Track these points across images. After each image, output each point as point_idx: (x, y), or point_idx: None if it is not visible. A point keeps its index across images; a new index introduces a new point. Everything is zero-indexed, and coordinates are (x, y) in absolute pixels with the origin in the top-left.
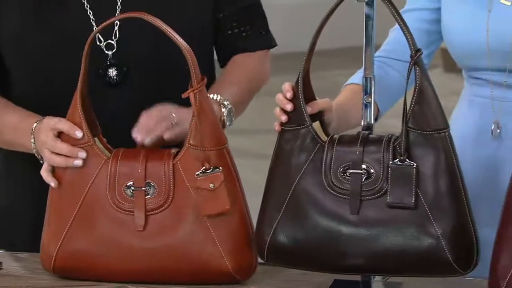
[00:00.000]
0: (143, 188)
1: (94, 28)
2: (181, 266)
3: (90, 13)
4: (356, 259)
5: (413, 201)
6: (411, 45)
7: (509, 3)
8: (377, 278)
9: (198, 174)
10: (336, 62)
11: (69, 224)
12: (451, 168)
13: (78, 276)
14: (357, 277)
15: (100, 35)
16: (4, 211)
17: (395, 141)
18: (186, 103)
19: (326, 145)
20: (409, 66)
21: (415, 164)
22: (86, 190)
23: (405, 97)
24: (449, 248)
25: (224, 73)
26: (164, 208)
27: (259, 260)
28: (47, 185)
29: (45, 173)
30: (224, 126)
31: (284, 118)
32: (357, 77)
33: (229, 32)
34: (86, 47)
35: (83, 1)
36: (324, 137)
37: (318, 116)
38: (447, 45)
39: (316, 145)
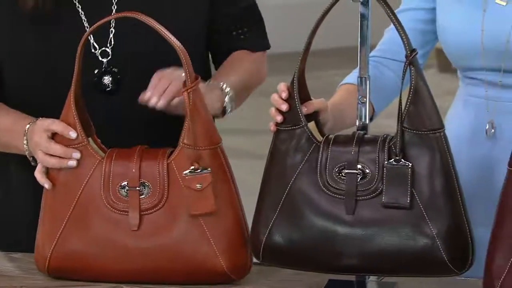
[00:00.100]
0: (137, 188)
1: (89, 37)
2: (176, 266)
3: (84, 20)
4: (351, 259)
5: (408, 201)
6: (406, 45)
7: (504, 3)
8: (372, 278)
9: (186, 173)
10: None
11: (63, 225)
12: (446, 168)
13: (73, 277)
14: (352, 277)
15: (95, 42)
16: None
17: (390, 141)
18: (181, 120)
19: (322, 145)
20: (404, 66)
21: (410, 164)
22: (80, 191)
23: (400, 97)
24: (444, 248)
25: (224, 65)
26: (158, 207)
27: (254, 260)
28: (42, 186)
29: (39, 174)
30: (224, 112)
31: (279, 118)
32: (352, 77)
33: (226, 33)
34: (79, 49)
35: (78, 8)
36: (319, 137)
37: (313, 116)
38: (442, 45)
39: (311, 145)
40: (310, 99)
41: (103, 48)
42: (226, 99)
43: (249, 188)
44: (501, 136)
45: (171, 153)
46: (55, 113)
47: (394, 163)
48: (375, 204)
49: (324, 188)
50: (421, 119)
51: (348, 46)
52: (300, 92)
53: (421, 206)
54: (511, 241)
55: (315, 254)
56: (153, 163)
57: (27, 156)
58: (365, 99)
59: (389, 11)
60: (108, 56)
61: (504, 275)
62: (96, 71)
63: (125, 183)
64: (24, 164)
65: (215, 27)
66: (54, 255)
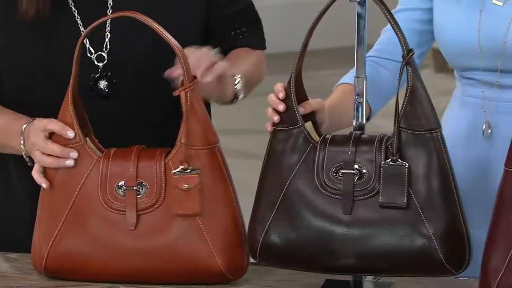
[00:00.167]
0: (134, 188)
1: (85, 41)
2: (173, 266)
3: (80, 24)
4: (348, 259)
5: (405, 201)
6: (403, 45)
7: (501, 4)
8: (369, 278)
9: (175, 172)
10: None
11: (60, 224)
12: (443, 168)
13: (69, 276)
14: (349, 277)
15: (91, 47)
16: None
17: (387, 141)
18: (178, 113)
19: (319, 145)
20: (401, 66)
21: (407, 164)
22: (77, 190)
23: (397, 97)
24: (441, 248)
25: (229, 57)
26: (155, 207)
27: (251, 260)
28: (40, 186)
29: (36, 174)
30: (236, 98)
31: (276, 118)
32: (349, 77)
33: (224, 33)
34: (77, 48)
35: (74, 13)
36: (316, 137)
37: (310, 116)
38: (439, 45)
39: (308, 145)
40: (307, 99)
41: (99, 53)
42: (238, 85)
43: (246, 188)
44: (498, 136)
45: (169, 153)
46: (52, 115)
47: (391, 163)
48: (372, 204)
49: (321, 188)
50: (418, 119)
51: (345, 46)
52: (297, 92)
53: (418, 206)
54: (508, 241)
55: (312, 254)
56: (151, 162)
57: (24, 156)
58: (362, 99)
59: (386, 11)
60: (104, 60)
61: (500, 275)
62: (92, 76)
63: (122, 182)
64: (22, 163)
65: (212, 27)
66: (51, 254)
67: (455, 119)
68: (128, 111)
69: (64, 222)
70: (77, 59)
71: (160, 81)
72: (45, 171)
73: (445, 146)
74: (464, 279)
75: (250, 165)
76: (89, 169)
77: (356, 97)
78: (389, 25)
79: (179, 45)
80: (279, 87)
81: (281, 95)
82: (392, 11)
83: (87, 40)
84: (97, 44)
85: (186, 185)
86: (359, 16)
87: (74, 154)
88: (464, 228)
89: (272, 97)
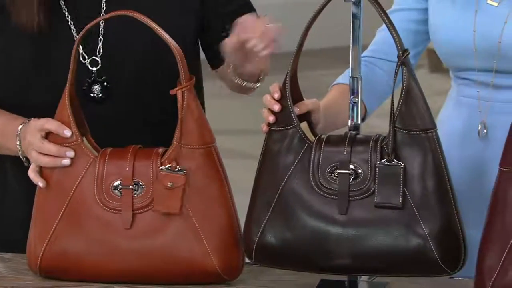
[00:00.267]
0: (130, 187)
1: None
2: (168, 266)
3: (73, 30)
4: (344, 259)
5: (400, 201)
6: (398, 45)
7: (496, 4)
8: (364, 278)
9: (162, 168)
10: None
11: (55, 224)
12: (438, 168)
13: (64, 276)
14: (344, 277)
15: (84, 52)
16: None
17: (382, 141)
18: (175, 113)
19: (314, 146)
20: (396, 66)
21: (403, 164)
22: (73, 189)
23: (392, 97)
24: (437, 248)
25: None
26: (152, 206)
27: (246, 260)
28: (36, 186)
29: (32, 173)
30: (258, 81)
31: (271, 118)
32: (344, 77)
33: (222, 33)
34: (74, 46)
35: (67, 18)
36: (311, 138)
37: (305, 116)
38: (434, 45)
39: (303, 145)
40: (303, 99)
41: (93, 57)
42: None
43: (241, 188)
44: (493, 136)
45: (165, 152)
46: (47, 117)
47: (386, 163)
48: (367, 204)
49: (316, 188)
50: (413, 119)
51: (339, 46)
52: (292, 92)
53: (413, 206)
54: (502, 241)
55: (308, 254)
56: (147, 162)
57: (20, 157)
58: (357, 99)
59: (381, 11)
60: (98, 65)
61: (495, 275)
62: (86, 80)
63: (119, 182)
64: (19, 164)
65: (209, 26)
66: (46, 254)
67: (450, 119)
68: (124, 114)
69: (59, 221)
70: (74, 58)
71: (156, 82)
72: (41, 170)
73: (441, 146)
74: (459, 279)
75: (246, 165)
76: (85, 168)
77: (351, 97)
78: (384, 25)
79: (177, 45)
80: (275, 88)
81: (277, 95)
82: (387, 11)
83: (80, 46)
84: (90, 49)
85: (170, 184)
86: (354, 16)
87: (71, 153)
88: (459, 228)
89: (267, 97)
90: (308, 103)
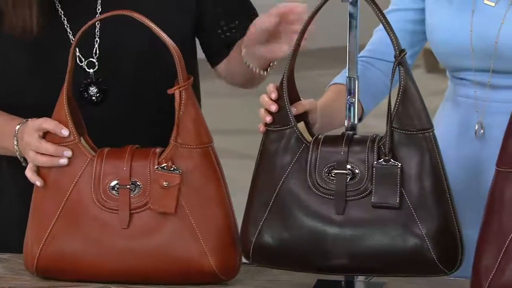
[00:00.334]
0: (128, 186)
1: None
2: (165, 265)
3: (70, 33)
4: (341, 259)
5: (397, 201)
6: (395, 45)
7: (493, 4)
8: (360, 278)
9: (157, 168)
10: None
11: (52, 223)
12: (435, 168)
13: (61, 276)
14: (341, 277)
15: (81, 54)
16: None
17: (379, 141)
18: (173, 112)
19: (311, 146)
20: (393, 66)
21: (400, 164)
22: (70, 189)
23: (389, 97)
24: (434, 248)
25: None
26: (149, 206)
27: (243, 260)
28: (33, 187)
29: (29, 172)
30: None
31: (268, 119)
32: (341, 77)
33: (218, 31)
34: (73, 46)
35: (64, 20)
36: (309, 138)
37: (302, 116)
38: (431, 45)
39: (301, 145)
40: (300, 99)
41: (89, 59)
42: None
43: (238, 188)
44: (490, 136)
45: (163, 152)
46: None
47: (383, 163)
48: (364, 204)
49: (313, 188)
50: (410, 119)
51: (337, 46)
52: (289, 92)
53: (410, 206)
54: (499, 241)
55: (305, 254)
56: (144, 162)
57: (18, 157)
58: (354, 100)
59: (378, 11)
60: (95, 67)
61: (492, 275)
62: (82, 82)
63: (116, 181)
64: (16, 164)
65: (205, 25)
66: (43, 254)
67: (447, 119)
68: (121, 114)
69: (56, 221)
70: (72, 57)
71: (153, 82)
72: (38, 170)
73: (438, 146)
74: (456, 279)
75: (243, 165)
76: (83, 168)
77: (348, 97)
78: (381, 25)
79: (174, 45)
80: (272, 88)
81: (274, 95)
82: (384, 11)
83: (77, 49)
84: (87, 51)
85: (165, 183)
86: (351, 16)
87: (68, 153)
88: (456, 228)
89: (264, 97)
90: (305, 103)
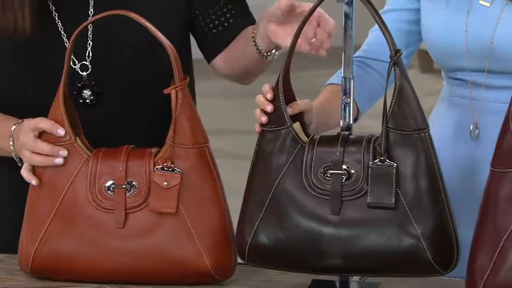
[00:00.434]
0: (123, 186)
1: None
2: (160, 266)
3: (64, 35)
4: (337, 259)
5: (393, 201)
6: (391, 45)
7: (488, 4)
8: (355, 278)
9: (157, 168)
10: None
11: (47, 223)
12: (431, 168)
13: (56, 277)
14: (336, 277)
15: (74, 57)
16: None
17: (375, 142)
18: (169, 112)
19: (307, 146)
20: (389, 66)
21: (395, 164)
22: (66, 189)
23: (385, 97)
24: (429, 248)
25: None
26: (144, 206)
27: (238, 260)
28: (27, 188)
29: (25, 172)
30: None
31: (264, 119)
32: (337, 77)
33: (212, 29)
34: (69, 46)
35: (58, 23)
36: (304, 138)
37: (298, 117)
38: (427, 45)
39: (296, 145)
40: (295, 100)
41: (83, 62)
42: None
43: (233, 188)
44: (485, 136)
45: (158, 152)
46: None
47: (379, 163)
48: (360, 204)
49: (309, 189)
50: (405, 119)
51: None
52: (285, 92)
53: (406, 206)
54: (494, 241)
55: (301, 254)
56: (140, 162)
57: (14, 157)
58: (349, 100)
59: (373, 12)
60: (88, 69)
61: (486, 275)
62: (76, 85)
63: (111, 181)
64: (11, 164)
65: (195, 24)
66: (38, 254)
67: (442, 119)
68: (115, 116)
69: (51, 221)
70: (69, 57)
71: (148, 82)
72: (34, 170)
73: (433, 146)
74: (451, 279)
75: (237, 165)
76: (78, 167)
77: (344, 97)
78: (376, 25)
79: (171, 44)
80: (267, 88)
81: (269, 96)
82: (379, 12)
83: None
84: (80, 54)
85: (166, 183)
86: (347, 16)
87: (64, 153)
88: (452, 228)
89: (260, 98)
90: (300, 104)
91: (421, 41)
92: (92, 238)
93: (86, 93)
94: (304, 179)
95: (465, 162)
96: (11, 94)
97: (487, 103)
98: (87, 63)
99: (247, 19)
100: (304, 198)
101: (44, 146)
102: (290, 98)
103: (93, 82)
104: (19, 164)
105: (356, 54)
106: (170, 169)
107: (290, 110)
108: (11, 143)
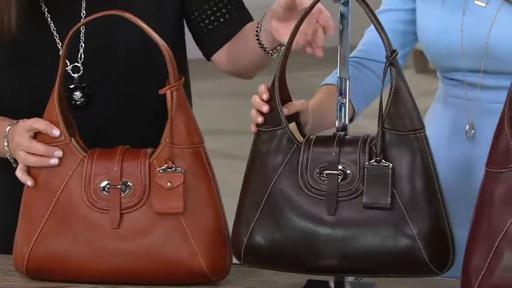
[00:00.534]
0: (118, 186)
1: (60, 53)
2: (156, 266)
3: (56, 36)
4: (333, 259)
5: (389, 202)
6: (387, 46)
7: (483, 4)
8: (350, 278)
9: (159, 170)
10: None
11: (42, 224)
12: (427, 169)
13: (51, 277)
14: (331, 278)
15: (66, 59)
16: None
17: (371, 142)
18: (163, 112)
19: (302, 146)
20: (385, 66)
21: (391, 165)
22: (60, 189)
23: (381, 98)
24: (425, 249)
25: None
26: (139, 206)
27: (234, 260)
28: (22, 189)
29: (20, 173)
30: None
31: (260, 119)
32: (332, 77)
33: (208, 25)
34: (64, 46)
35: (50, 24)
36: (300, 138)
37: (294, 117)
38: (422, 46)
39: (292, 146)
40: (291, 100)
41: (74, 64)
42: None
43: (229, 188)
44: (481, 137)
45: (153, 152)
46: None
47: (375, 163)
48: (356, 204)
49: (305, 189)
50: (401, 119)
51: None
52: (281, 93)
53: (402, 207)
54: (489, 241)
55: (297, 254)
56: (135, 162)
57: (8, 158)
58: (345, 100)
59: (369, 12)
60: (79, 71)
61: (481, 275)
62: (67, 87)
63: (106, 181)
64: (6, 164)
65: (191, 22)
66: (33, 255)
67: (438, 120)
68: (107, 118)
69: (46, 221)
70: (64, 56)
71: (142, 83)
72: (29, 170)
73: (429, 147)
74: (446, 279)
75: (232, 166)
76: (73, 168)
77: (339, 97)
78: (372, 25)
79: (165, 43)
80: (263, 88)
81: (265, 96)
82: (375, 12)
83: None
84: (72, 56)
85: (169, 183)
86: (343, 16)
87: (59, 153)
88: (448, 228)
89: (256, 98)
90: (296, 104)
91: (417, 42)
92: (87, 238)
93: (77, 95)
94: (300, 179)
95: (461, 162)
96: (4, 95)
97: (482, 104)
98: (78, 65)
99: (243, 15)
100: (300, 198)
101: (39, 147)
102: (286, 98)
103: (84, 84)
104: (14, 165)
105: (352, 54)
106: (172, 170)
107: (286, 111)
108: (5, 143)
